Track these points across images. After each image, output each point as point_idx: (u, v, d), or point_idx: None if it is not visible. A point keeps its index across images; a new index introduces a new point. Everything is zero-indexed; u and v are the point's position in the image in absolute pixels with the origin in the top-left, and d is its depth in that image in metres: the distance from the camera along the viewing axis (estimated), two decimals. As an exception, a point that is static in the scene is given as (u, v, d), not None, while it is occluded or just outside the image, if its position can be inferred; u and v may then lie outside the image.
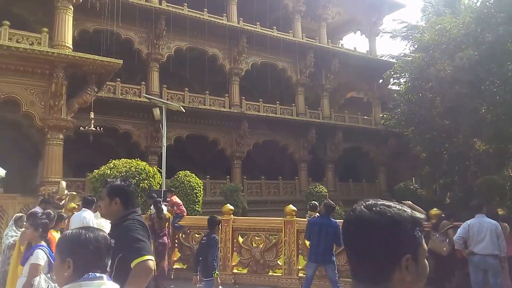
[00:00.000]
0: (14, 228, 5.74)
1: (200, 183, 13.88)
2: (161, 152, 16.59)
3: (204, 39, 18.53)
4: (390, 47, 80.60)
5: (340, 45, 24.13)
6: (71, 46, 12.53)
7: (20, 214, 6.20)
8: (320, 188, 18.10)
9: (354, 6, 23.97)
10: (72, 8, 12.72)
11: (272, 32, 19.98)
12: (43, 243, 4.06)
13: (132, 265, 2.30)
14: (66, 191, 9.90)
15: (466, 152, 14.86)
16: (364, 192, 22.85)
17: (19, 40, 11.43)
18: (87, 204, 6.24)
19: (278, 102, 20.41)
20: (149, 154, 16.81)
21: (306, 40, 21.36)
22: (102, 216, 2.71)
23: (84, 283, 1.54)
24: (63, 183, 10.10)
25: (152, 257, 2.37)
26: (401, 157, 23.31)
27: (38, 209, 7.84)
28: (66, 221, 6.19)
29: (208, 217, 6.20)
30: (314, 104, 22.40)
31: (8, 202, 8.93)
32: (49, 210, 5.73)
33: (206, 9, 18.24)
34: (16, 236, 5.39)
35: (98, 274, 1.57)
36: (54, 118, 11.69)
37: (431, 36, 13.02)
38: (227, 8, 19.75)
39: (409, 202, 7.35)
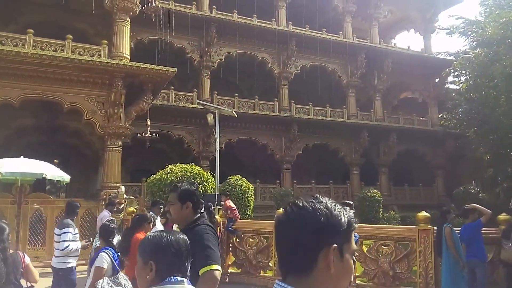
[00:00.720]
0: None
1: (251, 187, 13.92)
2: (213, 157, 16.90)
3: (254, 44, 18.66)
4: (447, 44, 77.00)
5: (392, 44, 23.37)
6: (129, 57, 13.07)
7: (111, 218, 6.49)
8: (374, 193, 17.51)
9: (407, 4, 23.10)
10: (129, 21, 13.28)
11: (322, 34, 19.74)
12: (109, 247, 4.20)
13: (200, 273, 2.29)
14: (125, 196, 10.28)
15: (535, 153, 13.75)
16: (421, 196, 21.87)
17: (81, 53, 12.10)
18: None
19: (328, 105, 20.08)
20: (201, 159, 17.14)
21: (357, 40, 20.89)
22: (172, 221, 2.71)
23: (166, 286, 1.53)
24: (122, 188, 10.49)
25: (219, 267, 2.35)
26: (460, 160, 22.07)
27: (106, 212, 8.19)
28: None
29: (260, 221, 6.13)
30: (366, 106, 21.79)
31: (74, 206, 9.39)
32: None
33: (255, 15, 18.38)
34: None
35: (179, 278, 1.56)
36: (114, 126, 12.24)
37: (494, 31, 12.18)
38: (276, 12, 19.78)
39: (473, 204, 6.90)
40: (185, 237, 1.65)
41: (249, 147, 19.17)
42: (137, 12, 13.47)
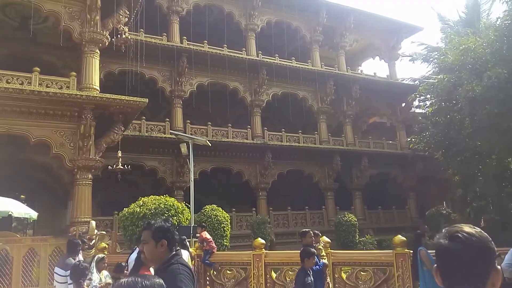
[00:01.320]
0: (95, 271, 5.66)
1: (227, 216, 13.72)
2: (187, 187, 16.65)
3: (225, 73, 18.85)
4: (411, 69, 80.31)
5: (359, 71, 24.16)
6: (98, 88, 12.89)
7: (102, 256, 6.17)
8: (349, 217, 17.62)
9: (371, 32, 24.10)
10: (99, 52, 13.18)
11: (291, 62, 20.21)
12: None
13: None
14: (96, 231, 9.91)
15: (501, 173, 14.28)
16: (395, 219, 22.16)
17: (49, 85, 11.85)
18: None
19: (300, 131, 20.35)
20: (175, 189, 16.84)
21: (325, 68, 21.49)
22: (146, 260, 2.57)
23: None
24: (93, 223, 10.12)
25: None
26: (430, 181, 22.63)
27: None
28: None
29: (237, 252, 6.00)
30: (337, 131, 22.23)
31: (40, 244, 8.96)
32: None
33: (225, 45, 18.65)
34: (99, 279, 5.33)
35: None
36: (83, 159, 11.90)
37: (455, 57, 12.84)
38: (246, 42, 20.17)
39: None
40: (161, 281, 1.56)
41: (224, 175, 19.05)
42: (107, 44, 13.41)
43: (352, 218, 17.70)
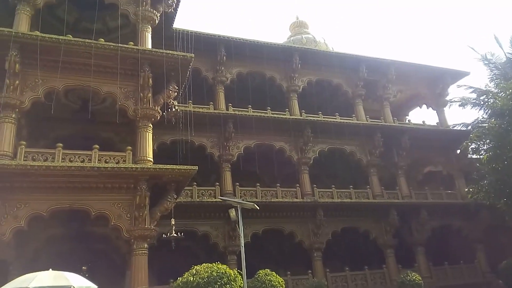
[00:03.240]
0: None
1: (282, 281, 13.34)
2: (240, 251, 16.56)
3: (270, 134, 19.26)
4: (462, 114, 77.64)
5: (407, 121, 23.75)
6: (152, 160, 13.58)
7: None
8: (413, 276, 16.45)
9: (415, 82, 23.91)
10: (151, 126, 14.06)
11: (335, 118, 20.34)
12: None
13: None
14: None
15: None
16: (464, 275, 20.38)
17: (107, 160, 12.68)
18: None
19: (351, 186, 19.90)
20: (227, 254, 16.76)
21: (371, 121, 21.37)
22: None
23: None
24: (150, 294, 10.23)
25: None
26: (498, 231, 20.92)
27: None
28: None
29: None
30: (390, 184, 21.48)
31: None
32: None
33: (269, 108, 19.24)
34: None
35: None
36: (139, 229, 12.33)
37: (504, 102, 12.38)
38: (289, 103, 20.69)
39: None
40: None
41: (276, 236, 18.77)
42: (159, 118, 14.31)
43: (416, 277, 16.53)
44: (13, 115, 12.45)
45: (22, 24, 13.66)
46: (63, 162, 12.01)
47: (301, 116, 19.90)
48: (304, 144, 19.60)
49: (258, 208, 11.57)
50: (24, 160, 11.74)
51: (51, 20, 15.68)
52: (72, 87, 13.51)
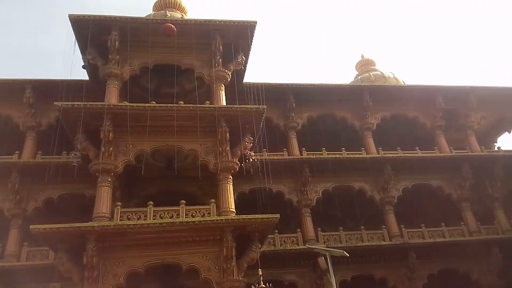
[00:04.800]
0: None
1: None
2: (330, 300, 15.87)
3: (348, 175, 18.82)
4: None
5: (496, 148, 21.96)
6: (234, 210, 13.91)
7: None
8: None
9: (499, 106, 22.28)
10: (231, 178, 14.55)
11: (416, 153, 19.46)
12: None
13: None
14: None
15: None
16: None
17: (194, 214, 13.21)
18: None
19: (443, 224, 18.50)
20: (316, 304, 16.16)
21: (456, 152, 20.07)
22: None
23: None
24: None
25: None
26: None
27: None
28: None
29: None
30: (487, 219, 19.62)
31: None
32: None
33: (343, 148, 18.99)
34: None
35: None
36: (228, 280, 12.45)
37: None
38: (364, 141, 20.25)
39: None
40: None
41: (366, 283, 17.76)
42: (237, 169, 14.79)
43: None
44: (109, 179, 13.66)
45: (112, 96, 15.31)
46: (155, 219, 12.76)
47: (378, 154, 19.32)
48: (385, 182, 18.84)
49: (348, 255, 11.16)
50: (120, 220, 12.67)
51: (135, 89, 17.33)
52: (158, 148, 14.59)
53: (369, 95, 20.47)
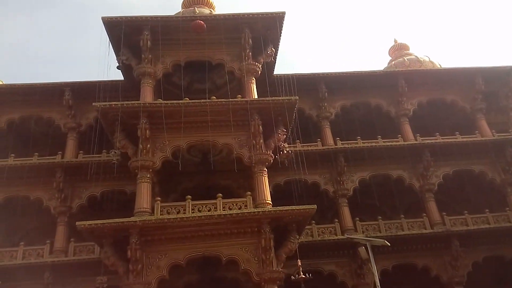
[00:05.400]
0: None
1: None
2: (370, 290, 15.70)
3: (385, 163, 18.46)
4: None
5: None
6: (271, 202, 13.97)
7: None
8: None
9: (543, 85, 21.11)
10: (266, 170, 14.60)
11: (456, 138, 18.82)
12: None
13: None
14: None
15: None
16: None
17: (231, 207, 13.39)
18: None
19: (487, 210, 17.81)
20: (358, 293, 16.01)
21: (498, 136, 19.20)
22: None
23: None
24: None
25: None
26: None
27: None
28: None
29: None
30: (534, 204, 18.70)
31: None
32: None
33: (379, 136, 18.60)
34: None
35: None
36: (268, 271, 12.57)
37: None
38: (401, 128, 19.75)
39: None
40: None
41: (408, 272, 17.41)
42: (271, 161, 14.82)
43: None
44: (148, 175, 14.06)
45: (147, 94, 15.70)
46: (193, 212, 13.03)
47: (416, 140, 18.78)
48: (424, 169, 18.30)
49: (389, 244, 10.96)
50: (160, 214, 13.02)
51: (168, 86, 17.67)
52: (193, 143, 14.85)
53: (404, 80, 19.91)
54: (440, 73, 21.03)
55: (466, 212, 17.72)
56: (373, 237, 13.55)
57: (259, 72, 16.66)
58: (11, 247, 16.77)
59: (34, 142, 19.17)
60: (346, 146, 18.21)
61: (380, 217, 17.66)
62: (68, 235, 16.56)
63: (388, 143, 18.39)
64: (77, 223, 12.57)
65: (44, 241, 16.43)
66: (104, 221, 12.50)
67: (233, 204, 13.50)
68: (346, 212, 17.74)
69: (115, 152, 14.63)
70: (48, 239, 16.36)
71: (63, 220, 16.74)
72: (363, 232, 16.92)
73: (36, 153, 17.43)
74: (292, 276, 12.73)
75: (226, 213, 12.80)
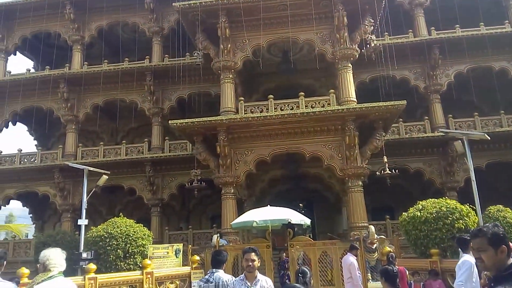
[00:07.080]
0: None
1: (519, 219, 11.62)
2: (460, 187, 15.24)
3: (487, 54, 16.46)
4: None
5: None
6: (355, 99, 13.49)
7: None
8: None
9: None
10: (351, 66, 13.86)
11: None
12: None
13: None
14: (376, 235, 10.23)
15: None
16: None
17: (313, 105, 13.22)
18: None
19: None
20: (446, 190, 15.64)
21: None
22: (485, 268, 2.47)
23: None
24: (372, 228, 10.51)
25: None
26: None
27: (351, 257, 7.89)
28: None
29: None
30: None
31: (331, 248, 9.96)
32: None
33: (482, 23, 16.33)
34: None
35: None
36: (352, 167, 12.64)
37: None
38: (509, 13, 17.05)
39: None
40: None
41: (503, 170, 16.42)
42: (357, 56, 13.96)
43: None
44: (230, 76, 14.21)
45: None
46: (276, 111, 13.13)
47: (526, 26, 16.20)
48: (534, 59, 16.04)
49: (489, 138, 10.15)
50: (244, 113, 13.35)
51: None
52: (273, 41, 14.41)
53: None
54: None
55: None
56: (471, 132, 12.62)
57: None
58: (115, 145, 18.86)
59: (123, 48, 20.10)
60: (442, 36, 16.37)
61: (476, 114, 16.33)
62: (163, 134, 18.02)
63: (491, 31, 16.14)
64: (170, 122, 13.46)
65: (142, 140, 18.17)
66: (194, 120, 13.23)
67: (315, 103, 13.30)
68: (438, 108, 16.64)
69: (198, 53, 14.79)
70: (146, 138, 18.01)
71: (157, 120, 18.08)
72: (455, 129, 15.87)
73: (127, 58, 18.36)
74: (377, 172, 12.68)
75: (309, 111, 12.69)
